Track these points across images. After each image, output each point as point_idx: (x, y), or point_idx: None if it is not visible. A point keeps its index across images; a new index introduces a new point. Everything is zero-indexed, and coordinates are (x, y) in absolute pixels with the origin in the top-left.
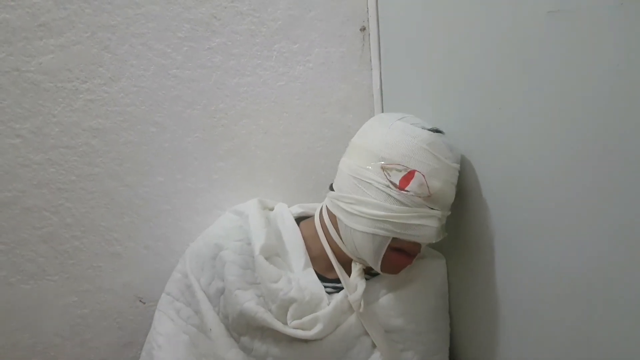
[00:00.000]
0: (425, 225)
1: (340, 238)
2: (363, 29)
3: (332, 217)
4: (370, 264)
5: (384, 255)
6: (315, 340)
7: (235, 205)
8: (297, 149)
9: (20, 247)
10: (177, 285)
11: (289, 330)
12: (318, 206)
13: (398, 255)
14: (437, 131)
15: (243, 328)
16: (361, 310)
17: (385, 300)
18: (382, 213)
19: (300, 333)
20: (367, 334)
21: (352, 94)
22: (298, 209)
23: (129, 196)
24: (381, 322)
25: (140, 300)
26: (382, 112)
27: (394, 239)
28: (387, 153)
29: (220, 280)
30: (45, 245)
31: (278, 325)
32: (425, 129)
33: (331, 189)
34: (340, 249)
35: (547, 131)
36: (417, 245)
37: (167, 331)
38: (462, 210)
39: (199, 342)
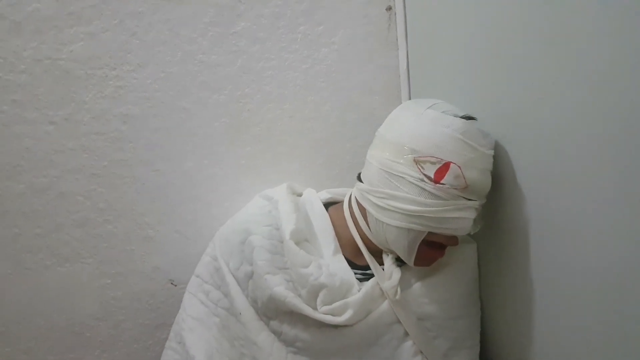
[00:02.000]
0: (463, 218)
1: (370, 230)
2: (389, 8)
3: (362, 209)
4: (402, 258)
5: (417, 249)
6: (345, 326)
7: (263, 190)
8: (322, 134)
9: (56, 231)
10: (207, 268)
11: (319, 316)
12: (347, 192)
13: (431, 249)
14: (469, 118)
15: (272, 312)
16: (398, 297)
17: (418, 287)
18: (417, 208)
19: (330, 318)
20: (399, 321)
21: (378, 76)
22: (326, 195)
23: (159, 181)
24: (414, 310)
25: (171, 283)
26: (409, 94)
27: (429, 232)
28: (419, 145)
29: (248, 265)
30: (80, 230)
31: (308, 310)
32: (457, 116)
33: (359, 179)
34: (369, 239)
35: (585, 111)
36: (454, 237)
37: (198, 314)
38: (494, 194)
39: (230, 325)
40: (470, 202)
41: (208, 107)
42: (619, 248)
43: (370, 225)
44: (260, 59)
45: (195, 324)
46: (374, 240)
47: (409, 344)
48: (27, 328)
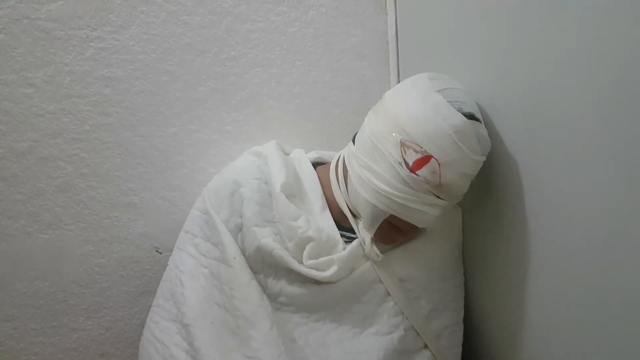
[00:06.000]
0: (426, 212)
1: (347, 193)
2: None
3: (346, 171)
4: (366, 228)
5: (379, 225)
6: (328, 283)
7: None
8: (310, 99)
9: (37, 196)
10: (196, 222)
11: (304, 269)
12: (335, 154)
13: (392, 230)
14: (472, 117)
15: (258, 265)
16: (379, 259)
17: (401, 249)
18: (387, 189)
19: (314, 273)
20: (381, 281)
21: (367, 40)
22: (314, 154)
23: (143, 146)
24: (396, 271)
25: (156, 250)
26: (398, 60)
27: (392, 215)
28: (411, 128)
29: (238, 217)
30: (62, 195)
31: (293, 264)
32: (461, 111)
33: (354, 140)
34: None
35: (579, 79)
36: (414, 227)
37: (188, 268)
38: (487, 166)
39: (220, 273)
40: (438, 200)
41: (192, 70)
42: (609, 217)
43: (348, 188)
44: (246, 21)
45: (185, 278)
46: (349, 204)
47: (390, 303)
48: (9, 295)
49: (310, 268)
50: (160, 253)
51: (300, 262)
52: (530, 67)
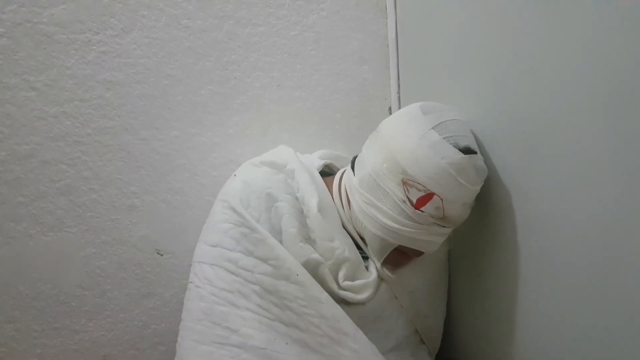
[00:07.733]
0: (433, 241)
1: (351, 218)
2: None
3: (349, 198)
4: (375, 256)
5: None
6: (357, 303)
7: (252, 159)
8: (311, 103)
9: (39, 199)
10: (229, 235)
11: (341, 293)
12: (338, 157)
13: (400, 256)
14: (468, 151)
15: None
16: (393, 276)
17: (408, 264)
18: (394, 225)
19: (350, 295)
20: (395, 297)
21: (368, 44)
22: (319, 162)
23: (145, 150)
24: (406, 285)
25: (158, 253)
26: (398, 64)
27: (399, 245)
28: (412, 169)
29: (277, 233)
30: (64, 198)
31: (333, 285)
32: (458, 147)
33: (352, 166)
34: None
35: (578, 90)
36: (421, 252)
37: (234, 286)
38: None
39: (279, 288)
40: (443, 229)
41: (194, 74)
42: (601, 244)
43: (352, 215)
44: (247, 25)
45: (234, 298)
46: (355, 228)
47: (404, 315)
48: (11, 297)
49: (346, 290)
50: (162, 255)
51: (337, 283)
52: (529, 72)
